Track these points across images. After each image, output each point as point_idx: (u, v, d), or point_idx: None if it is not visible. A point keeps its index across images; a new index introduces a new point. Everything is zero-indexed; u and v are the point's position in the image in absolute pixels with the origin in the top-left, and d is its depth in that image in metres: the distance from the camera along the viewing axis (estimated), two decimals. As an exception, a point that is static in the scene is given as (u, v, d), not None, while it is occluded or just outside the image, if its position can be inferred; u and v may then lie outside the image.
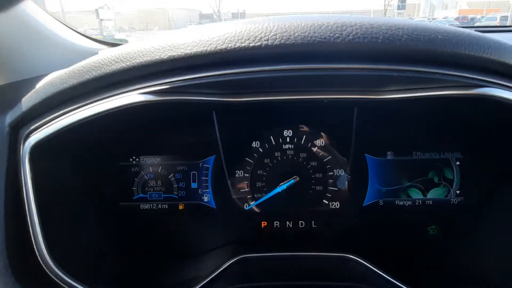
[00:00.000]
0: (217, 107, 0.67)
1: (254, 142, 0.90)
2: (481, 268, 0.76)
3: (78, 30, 1.16)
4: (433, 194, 0.91)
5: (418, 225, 0.91)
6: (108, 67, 0.55)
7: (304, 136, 0.90)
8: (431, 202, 0.91)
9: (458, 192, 0.90)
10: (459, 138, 0.87)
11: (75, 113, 0.57)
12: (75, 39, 1.17)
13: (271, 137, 0.90)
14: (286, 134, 0.90)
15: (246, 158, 0.91)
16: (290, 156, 0.90)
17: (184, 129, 0.91)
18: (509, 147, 0.78)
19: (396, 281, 0.72)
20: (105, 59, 0.55)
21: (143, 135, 0.90)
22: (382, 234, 0.90)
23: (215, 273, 0.76)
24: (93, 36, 1.30)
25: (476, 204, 0.87)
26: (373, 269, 0.76)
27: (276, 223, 0.92)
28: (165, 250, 0.92)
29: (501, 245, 0.77)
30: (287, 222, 0.92)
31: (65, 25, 1.18)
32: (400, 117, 0.85)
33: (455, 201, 0.90)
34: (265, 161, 0.91)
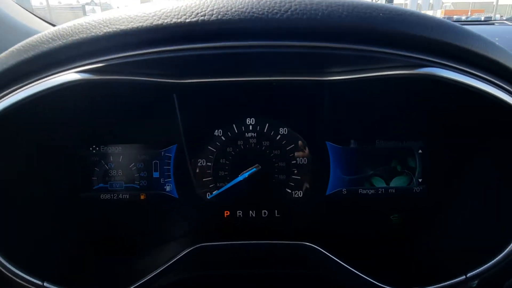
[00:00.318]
0: (162, 89, 0.65)
1: (216, 130, 0.89)
2: (444, 255, 0.76)
3: (34, 12, 1.11)
4: (395, 182, 0.91)
5: (381, 214, 0.91)
6: (45, 45, 0.52)
7: (267, 124, 0.89)
8: (394, 191, 0.91)
9: (420, 180, 0.91)
10: (421, 126, 0.87)
11: (12, 95, 0.55)
12: (29, 22, 1.13)
13: (234, 125, 0.89)
14: (248, 122, 0.89)
15: (209, 147, 0.89)
16: (253, 144, 0.89)
17: (145, 117, 0.89)
18: (467, 133, 0.78)
19: (356, 270, 0.72)
20: (43, 37, 0.53)
21: (103, 123, 0.88)
22: (345, 223, 0.90)
23: (171, 262, 0.74)
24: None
25: (438, 192, 0.88)
26: (332, 258, 0.76)
27: (239, 212, 0.91)
28: (125, 240, 0.90)
29: (462, 231, 0.77)
30: (250, 212, 0.91)
31: (20, 6, 1.14)
32: (362, 105, 0.85)
33: (418, 189, 0.91)
34: (228, 149, 0.89)
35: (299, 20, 0.45)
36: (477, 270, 0.64)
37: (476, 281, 0.66)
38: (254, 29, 0.46)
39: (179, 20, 0.46)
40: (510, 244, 0.63)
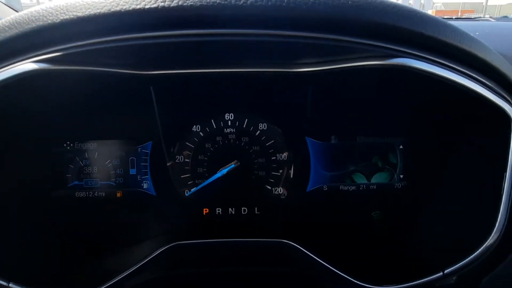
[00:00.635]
0: (147, 81, 0.63)
1: (194, 126, 0.87)
2: (422, 252, 0.75)
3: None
4: (377, 178, 0.90)
5: (363, 210, 0.90)
6: (1, 34, 0.50)
7: (246, 120, 0.87)
8: (375, 187, 0.90)
9: (401, 176, 0.90)
10: (401, 121, 0.86)
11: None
12: None
13: (212, 120, 0.87)
14: (227, 117, 0.87)
15: (186, 143, 0.87)
16: (232, 140, 0.87)
17: (121, 112, 0.87)
18: (445, 128, 0.77)
19: (334, 267, 0.71)
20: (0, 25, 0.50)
21: (77, 119, 0.85)
22: (325, 220, 0.88)
23: (145, 260, 0.72)
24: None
25: (418, 189, 0.87)
26: (311, 256, 0.74)
27: (218, 210, 0.89)
28: (101, 239, 0.87)
29: (443, 227, 0.76)
30: (230, 209, 0.89)
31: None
32: (342, 100, 0.83)
33: (399, 186, 0.90)
34: (206, 145, 0.87)
35: (264, 7, 0.44)
36: (454, 267, 0.63)
37: (454, 278, 0.65)
38: (216, 17, 0.44)
39: (138, 7, 0.44)
40: (486, 240, 0.62)
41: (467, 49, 0.51)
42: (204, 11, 0.43)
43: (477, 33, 0.89)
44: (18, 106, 0.66)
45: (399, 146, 0.89)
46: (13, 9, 1.11)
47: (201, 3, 0.43)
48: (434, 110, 0.77)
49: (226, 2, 0.43)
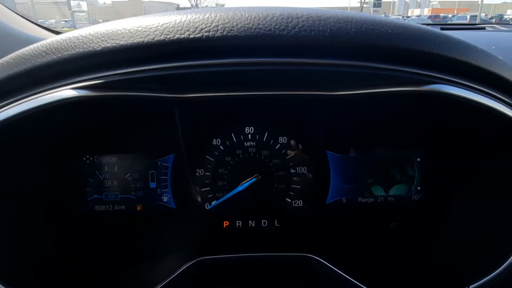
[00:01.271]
0: (162, 103, 0.63)
1: (214, 140, 0.87)
2: (449, 265, 0.76)
3: (45, 23, 1.08)
4: (394, 191, 0.91)
5: (380, 222, 0.91)
6: (38, 59, 0.50)
7: (266, 133, 0.87)
8: (392, 199, 0.91)
9: (419, 188, 0.91)
10: (420, 135, 0.87)
11: (3, 110, 0.52)
12: (28, 30, 1.09)
13: (232, 134, 0.87)
14: (247, 131, 0.87)
15: (207, 156, 0.88)
16: (252, 153, 0.88)
17: (142, 126, 0.87)
18: (466, 143, 0.79)
19: (357, 281, 0.72)
20: (35, 50, 0.50)
21: (97, 133, 0.85)
22: (345, 232, 0.89)
23: (171, 277, 0.72)
24: (65, 29, 1.23)
25: (436, 201, 0.88)
26: (334, 270, 0.75)
27: (238, 222, 0.90)
28: (121, 254, 0.87)
29: (465, 241, 0.77)
30: (250, 222, 0.90)
31: (17, 13, 1.10)
32: (362, 115, 0.84)
33: (416, 198, 0.91)
34: (226, 159, 0.88)
35: (307, 37, 0.44)
36: (480, 282, 0.64)
37: (477, 292, 0.66)
38: (260, 46, 0.44)
39: (182, 36, 0.44)
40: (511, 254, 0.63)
41: (501, 74, 0.52)
42: (248, 41, 0.43)
43: (493, 48, 0.91)
44: (42, 128, 0.65)
45: (417, 158, 0.90)
46: (5, 6, 1.10)
47: (245, 34, 0.43)
48: (450, 125, 0.78)
49: (270, 32, 0.44)
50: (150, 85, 0.50)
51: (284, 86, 0.54)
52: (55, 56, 0.49)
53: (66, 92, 0.49)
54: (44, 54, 0.50)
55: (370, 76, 0.49)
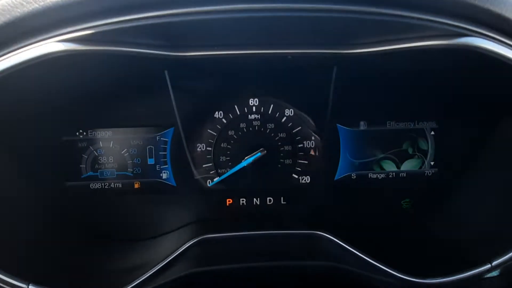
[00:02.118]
0: (163, 63, 0.57)
1: (216, 112, 0.82)
2: (467, 242, 0.72)
3: None
4: (407, 166, 0.86)
5: (392, 199, 0.87)
6: (18, 10, 0.43)
7: (272, 105, 0.82)
8: (404, 175, 0.86)
9: (432, 163, 0.86)
10: (435, 105, 0.82)
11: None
12: None
13: (236, 106, 0.81)
14: (252, 103, 0.82)
15: (208, 130, 0.82)
16: (256, 127, 0.82)
17: (138, 97, 0.81)
18: (484, 111, 0.74)
19: (369, 258, 0.67)
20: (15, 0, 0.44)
21: (90, 105, 0.79)
22: (354, 209, 0.85)
23: (172, 256, 0.68)
24: None
25: (451, 176, 0.84)
26: (345, 247, 0.71)
27: (242, 200, 0.85)
28: (120, 233, 0.83)
29: (483, 217, 0.73)
30: (254, 199, 0.85)
31: None
32: (374, 83, 0.78)
33: (429, 173, 0.86)
34: (229, 133, 0.82)
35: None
36: (502, 258, 0.60)
37: (498, 270, 0.63)
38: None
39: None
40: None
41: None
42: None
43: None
44: (32, 90, 0.59)
45: (431, 131, 0.85)
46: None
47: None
48: (477, 88, 0.71)
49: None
50: (141, 38, 0.44)
51: (293, 42, 0.47)
52: (37, 5, 0.43)
53: (51, 45, 0.43)
54: (24, 3, 0.43)
55: (397, 27, 0.43)
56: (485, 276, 0.62)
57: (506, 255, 0.60)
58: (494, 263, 0.60)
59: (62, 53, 0.43)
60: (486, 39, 0.47)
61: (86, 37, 0.43)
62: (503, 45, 0.48)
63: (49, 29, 0.44)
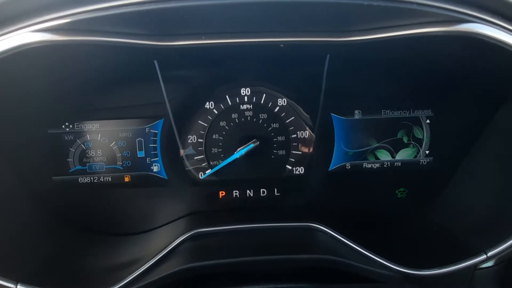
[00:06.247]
0: (151, 54, 0.54)
1: (207, 103, 0.79)
2: (462, 232, 0.71)
3: None
4: (402, 155, 0.85)
5: (386, 189, 0.86)
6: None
7: (264, 95, 0.79)
8: (399, 164, 0.85)
9: (427, 152, 0.85)
10: (431, 93, 0.80)
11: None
12: None
13: (227, 96, 0.79)
14: (243, 92, 0.79)
15: (199, 121, 0.80)
16: (248, 117, 0.80)
17: (126, 88, 0.78)
18: (481, 99, 0.72)
19: (364, 249, 0.67)
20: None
21: (76, 97, 0.76)
22: (349, 200, 0.84)
23: (165, 251, 0.67)
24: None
25: (446, 165, 0.83)
26: (339, 238, 0.70)
27: (235, 192, 0.83)
28: (110, 228, 0.81)
29: (478, 207, 0.72)
30: (248, 191, 0.83)
31: None
32: (370, 71, 0.76)
33: (424, 162, 0.85)
34: (221, 124, 0.80)
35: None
36: (497, 249, 0.60)
37: (493, 260, 0.62)
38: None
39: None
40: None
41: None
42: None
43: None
44: (11, 83, 0.56)
45: (426, 120, 0.84)
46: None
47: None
48: (480, 79, 0.70)
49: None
50: (125, 27, 0.41)
51: (286, 29, 0.45)
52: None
53: (26, 36, 0.40)
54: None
55: (395, 12, 0.41)
56: (480, 267, 0.62)
57: (501, 245, 0.60)
58: (489, 253, 0.60)
59: (38, 43, 0.40)
60: (487, 24, 0.45)
61: (66, 26, 0.40)
62: (504, 31, 0.46)
63: (23, 17, 0.40)
